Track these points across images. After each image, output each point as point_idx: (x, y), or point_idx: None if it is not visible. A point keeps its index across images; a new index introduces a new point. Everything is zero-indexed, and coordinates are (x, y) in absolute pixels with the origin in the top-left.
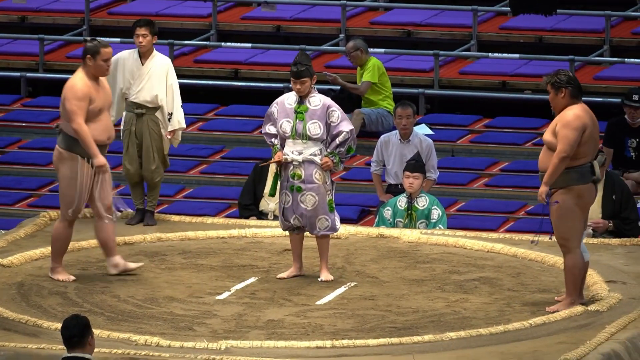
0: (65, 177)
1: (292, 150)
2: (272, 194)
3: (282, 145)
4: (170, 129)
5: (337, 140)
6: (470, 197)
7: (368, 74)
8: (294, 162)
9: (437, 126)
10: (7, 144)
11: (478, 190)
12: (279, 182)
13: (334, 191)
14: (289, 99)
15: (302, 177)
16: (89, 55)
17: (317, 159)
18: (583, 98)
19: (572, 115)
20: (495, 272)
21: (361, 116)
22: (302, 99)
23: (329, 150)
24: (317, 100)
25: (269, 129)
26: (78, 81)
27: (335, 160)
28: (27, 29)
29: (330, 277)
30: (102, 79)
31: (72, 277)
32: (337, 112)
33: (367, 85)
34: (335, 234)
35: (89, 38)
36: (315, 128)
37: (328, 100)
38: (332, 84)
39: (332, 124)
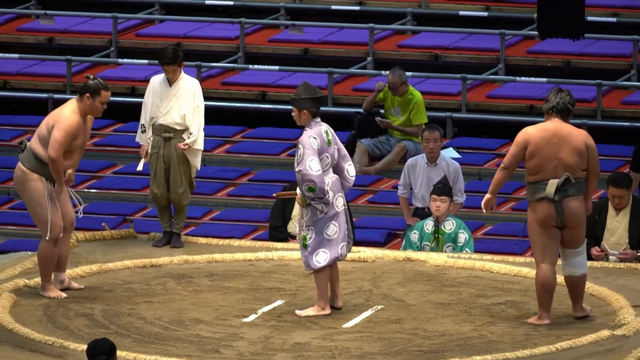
0: (33, 199)
1: None
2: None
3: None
4: (188, 141)
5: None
6: (497, 221)
7: (418, 115)
8: None
9: (464, 150)
10: None
11: (505, 214)
12: None
13: (317, 227)
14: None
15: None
16: (88, 94)
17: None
18: (609, 122)
19: (520, 132)
20: (522, 296)
21: (405, 148)
22: None
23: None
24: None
25: None
26: (72, 115)
27: (302, 198)
28: (55, 50)
29: (305, 313)
30: (89, 118)
31: (64, 295)
32: (299, 149)
33: (420, 127)
34: (315, 267)
35: (91, 76)
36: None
37: (302, 137)
38: (384, 128)
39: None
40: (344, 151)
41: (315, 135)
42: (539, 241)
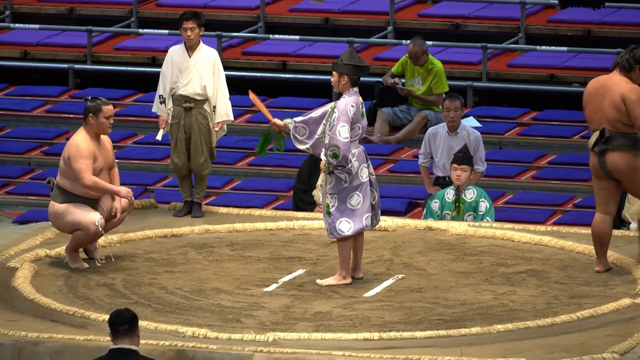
0: (67, 222)
1: None
2: (258, 151)
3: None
4: (217, 120)
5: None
6: (518, 190)
7: (439, 84)
8: None
9: (485, 119)
10: (55, 135)
11: (526, 182)
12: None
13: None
14: None
15: None
16: (91, 114)
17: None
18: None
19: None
20: (543, 265)
21: (426, 118)
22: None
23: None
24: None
25: None
26: (82, 140)
27: (326, 164)
28: (75, 20)
29: (326, 283)
30: (103, 138)
31: (86, 265)
32: (334, 113)
33: (441, 97)
34: (339, 236)
35: (89, 97)
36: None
37: (339, 102)
38: (404, 96)
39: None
40: None
41: (353, 104)
42: (594, 189)
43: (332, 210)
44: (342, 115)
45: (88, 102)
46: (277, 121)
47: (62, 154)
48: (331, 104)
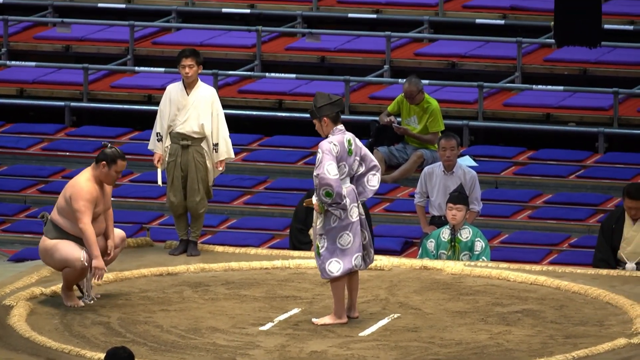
0: (54, 257)
1: None
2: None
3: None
4: (219, 158)
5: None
6: (513, 229)
7: (435, 123)
8: None
9: (481, 158)
10: (51, 173)
11: (521, 222)
12: None
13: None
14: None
15: None
16: (104, 162)
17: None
18: (626, 130)
19: None
20: (539, 305)
21: (422, 157)
22: None
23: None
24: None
25: None
26: (87, 183)
27: (319, 205)
28: (71, 58)
29: (321, 322)
30: (106, 186)
31: (81, 304)
32: (318, 154)
33: (437, 135)
34: (329, 277)
35: (109, 144)
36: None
37: (322, 142)
38: (400, 134)
39: None
40: (372, 161)
41: (336, 142)
42: None
43: (321, 251)
44: (326, 154)
45: (107, 149)
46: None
47: (64, 191)
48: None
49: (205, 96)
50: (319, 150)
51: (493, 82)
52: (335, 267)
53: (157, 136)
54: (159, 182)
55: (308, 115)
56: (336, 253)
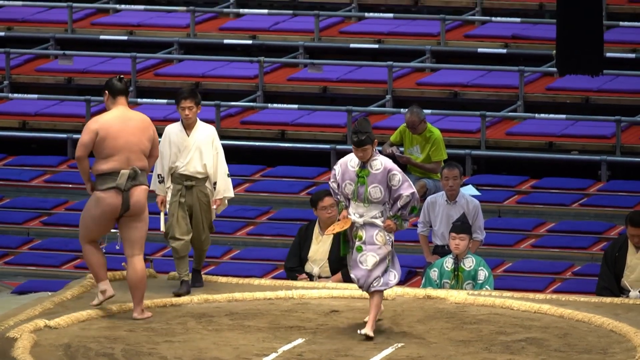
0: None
1: (354, 212)
2: (344, 254)
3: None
4: (216, 197)
5: (399, 204)
6: (517, 258)
7: (438, 152)
8: (356, 224)
9: (483, 187)
10: (53, 206)
11: (525, 251)
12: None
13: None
14: (351, 161)
15: (364, 238)
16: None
17: (379, 221)
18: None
19: None
20: (542, 333)
21: (424, 187)
22: (364, 163)
23: (391, 213)
24: (379, 164)
25: (334, 186)
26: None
27: (397, 223)
28: (74, 90)
29: (370, 334)
30: (135, 118)
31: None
32: (397, 175)
33: (439, 164)
34: (386, 287)
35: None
36: (376, 192)
37: (389, 164)
38: (403, 164)
39: (393, 187)
40: None
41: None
42: None
43: (389, 265)
44: (400, 172)
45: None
46: (345, 213)
47: (146, 130)
48: (354, 167)
49: (206, 136)
50: (395, 171)
51: (495, 111)
52: (393, 277)
53: (159, 178)
54: (162, 227)
55: (358, 140)
56: (395, 266)
